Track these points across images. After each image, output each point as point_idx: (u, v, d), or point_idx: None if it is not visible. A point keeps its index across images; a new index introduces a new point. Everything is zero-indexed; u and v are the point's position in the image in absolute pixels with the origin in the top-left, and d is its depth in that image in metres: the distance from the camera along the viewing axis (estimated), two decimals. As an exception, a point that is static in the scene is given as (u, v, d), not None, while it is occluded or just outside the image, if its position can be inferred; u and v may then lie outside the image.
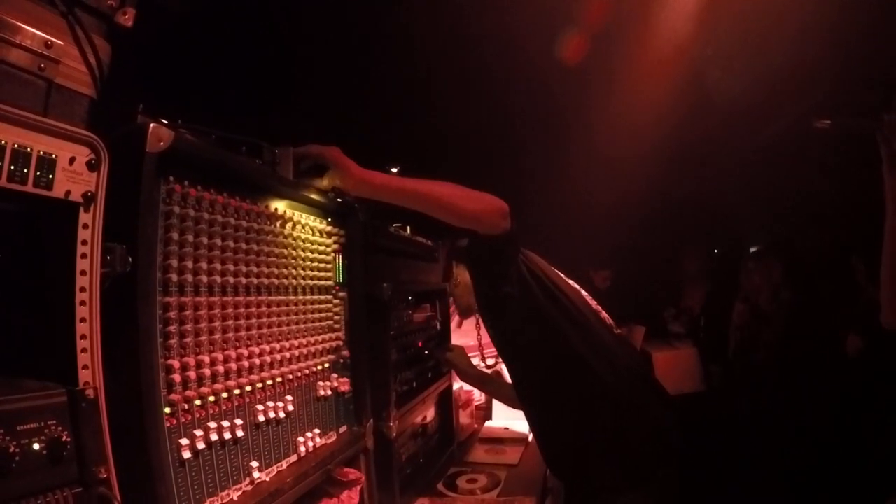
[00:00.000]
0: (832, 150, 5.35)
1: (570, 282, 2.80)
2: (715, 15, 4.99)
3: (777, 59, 5.11)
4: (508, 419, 4.10)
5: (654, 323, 6.35)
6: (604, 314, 2.78)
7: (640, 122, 5.98)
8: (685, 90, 5.76)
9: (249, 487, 1.70)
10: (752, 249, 7.33)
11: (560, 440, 2.65)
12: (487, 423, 4.24)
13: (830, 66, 5.03)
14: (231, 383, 1.66)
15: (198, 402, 1.53)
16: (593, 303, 2.79)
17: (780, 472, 4.83)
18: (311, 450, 2.03)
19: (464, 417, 3.93)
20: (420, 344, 3.23)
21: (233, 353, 1.68)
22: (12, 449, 1.03)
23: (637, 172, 6.21)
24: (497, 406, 4.31)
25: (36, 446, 1.08)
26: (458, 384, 3.98)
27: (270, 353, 1.86)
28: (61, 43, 1.37)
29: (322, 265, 2.24)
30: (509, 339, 2.72)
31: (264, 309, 1.86)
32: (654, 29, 5.29)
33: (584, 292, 2.79)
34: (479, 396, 4.45)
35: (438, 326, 3.62)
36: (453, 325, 4.00)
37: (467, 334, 4.38)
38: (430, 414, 3.41)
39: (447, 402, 3.65)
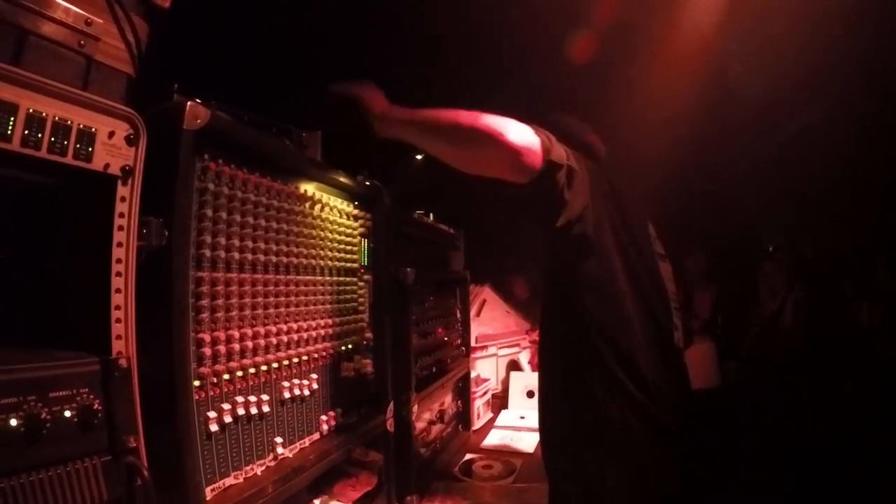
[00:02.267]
0: (853, 147, 5.32)
1: (663, 267, 2.43)
2: (737, 9, 4.96)
3: (797, 54, 5.08)
4: (524, 408, 4.11)
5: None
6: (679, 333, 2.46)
7: (659, 117, 5.96)
8: (705, 85, 5.74)
9: (273, 463, 1.73)
10: (770, 248, 7.31)
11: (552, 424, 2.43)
12: (503, 412, 4.24)
13: (846, 63, 5.00)
14: (259, 359, 1.69)
15: (226, 377, 1.56)
16: (675, 306, 2.38)
17: (794, 471, 4.82)
18: (333, 429, 2.06)
19: (480, 405, 3.94)
20: (440, 331, 3.24)
21: (261, 330, 1.71)
22: (44, 415, 1.05)
23: (654, 167, 6.19)
24: (513, 395, 4.31)
25: (67, 413, 1.10)
26: (475, 372, 4.00)
27: (298, 331, 1.89)
28: (101, 21, 1.38)
29: (348, 247, 2.27)
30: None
31: (292, 288, 1.89)
32: (675, 24, 5.27)
33: (671, 287, 2.42)
34: (495, 385, 4.47)
35: (458, 313, 3.63)
36: (473, 312, 4.02)
37: (486, 322, 4.40)
38: (448, 400, 3.42)
39: (465, 389, 3.66)
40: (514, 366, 4.60)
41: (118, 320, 1.22)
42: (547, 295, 2.21)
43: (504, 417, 4.14)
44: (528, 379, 4.21)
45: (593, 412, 2.00)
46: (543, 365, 2.19)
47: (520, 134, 1.80)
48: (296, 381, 1.87)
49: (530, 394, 4.10)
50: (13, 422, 1.01)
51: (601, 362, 1.98)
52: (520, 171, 1.81)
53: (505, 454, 3.37)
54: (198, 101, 1.45)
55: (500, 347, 4.59)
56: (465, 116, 1.84)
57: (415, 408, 2.60)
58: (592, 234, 1.93)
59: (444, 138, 1.90)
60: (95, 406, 1.14)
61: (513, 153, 1.78)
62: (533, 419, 3.59)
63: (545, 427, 2.20)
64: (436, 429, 3.20)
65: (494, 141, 1.78)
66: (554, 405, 2.15)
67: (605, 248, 1.99)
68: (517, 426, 3.91)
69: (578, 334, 1.99)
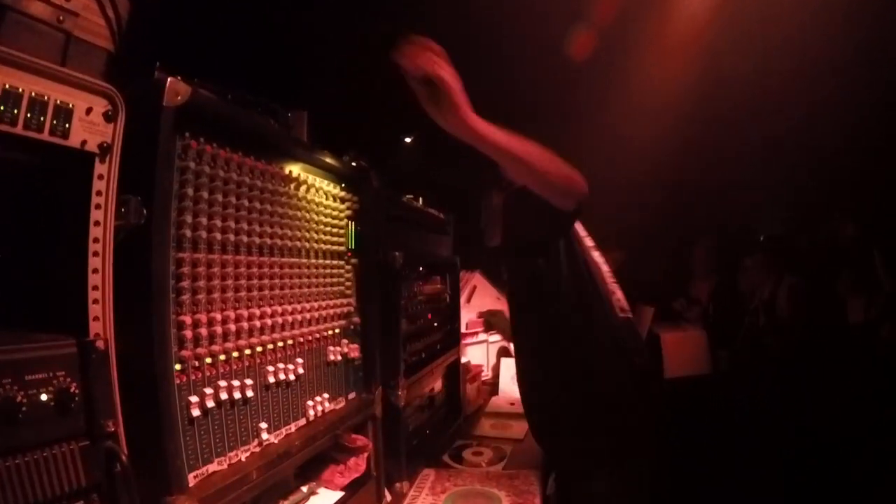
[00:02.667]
0: (849, 138, 5.33)
1: (597, 255, 2.76)
2: (731, 2, 4.97)
3: (793, 46, 5.09)
4: (515, 394, 4.11)
5: (664, 304, 6.33)
6: (618, 295, 2.74)
7: (656, 106, 5.97)
8: (703, 75, 5.75)
9: (258, 448, 1.70)
10: (761, 238, 7.32)
11: (552, 404, 2.69)
12: (494, 398, 4.24)
13: (844, 53, 5.01)
14: (242, 342, 1.66)
15: (208, 360, 1.53)
16: (611, 280, 2.74)
17: (784, 462, 4.83)
18: (319, 414, 2.03)
19: (471, 391, 3.93)
20: (430, 316, 3.22)
21: (244, 313, 1.68)
22: (19, 398, 1.03)
23: (652, 156, 6.21)
24: (503, 381, 4.31)
25: (44, 397, 1.07)
26: (465, 358, 3.99)
27: (282, 314, 1.86)
28: (81, -5, 1.36)
29: (335, 230, 2.23)
30: (523, 291, 2.78)
31: (276, 270, 1.85)
32: (672, 15, 5.28)
33: (605, 268, 2.74)
34: (486, 372, 4.46)
35: (448, 299, 3.61)
36: (463, 298, 4.00)
37: (477, 308, 4.39)
38: (438, 386, 3.41)
39: (455, 375, 3.65)
40: (504, 352, 4.60)
41: (95, 301, 1.19)
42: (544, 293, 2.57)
43: (495, 403, 4.14)
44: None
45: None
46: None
47: (582, 179, 2.28)
48: (281, 365, 1.83)
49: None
50: (-13, 405, 0.97)
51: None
52: (574, 202, 2.35)
53: (495, 440, 3.37)
54: (179, 77, 1.42)
55: (491, 334, 4.59)
56: (552, 161, 2.20)
57: (403, 393, 2.58)
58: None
59: (527, 168, 2.17)
60: (72, 389, 1.12)
61: (582, 193, 2.30)
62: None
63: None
64: (425, 415, 3.19)
65: (573, 184, 2.26)
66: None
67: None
68: (507, 412, 3.91)
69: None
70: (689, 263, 6.74)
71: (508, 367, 4.28)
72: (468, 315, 4.26)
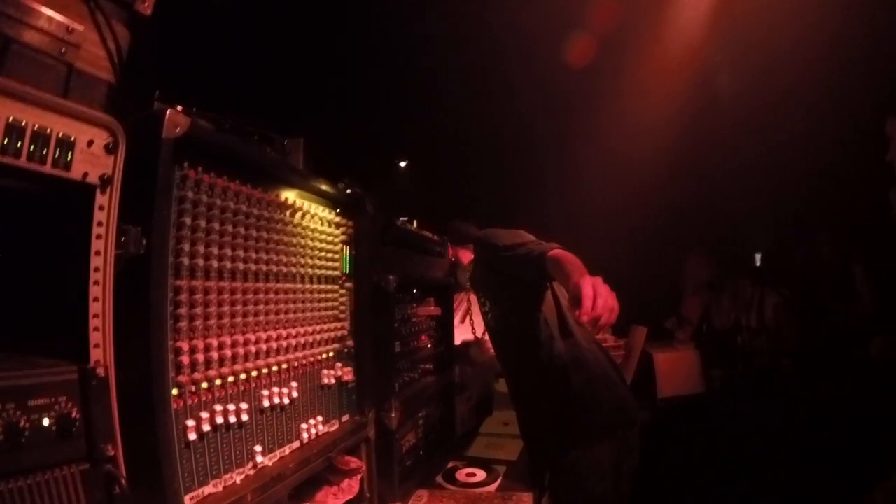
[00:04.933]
0: (837, 157, 5.37)
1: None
2: (724, 21, 5.01)
3: (784, 64, 5.14)
4: (508, 415, 4.12)
5: (656, 324, 6.35)
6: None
7: (647, 126, 6.01)
8: (693, 95, 5.79)
9: (252, 471, 1.72)
10: (758, 256, 7.35)
11: (537, 404, 3.05)
12: (487, 419, 4.25)
13: (832, 72, 5.06)
14: (238, 367, 1.69)
15: (205, 385, 1.56)
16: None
17: (777, 476, 4.84)
18: (313, 437, 2.06)
19: (464, 411, 3.94)
20: (423, 338, 3.25)
21: (240, 338, 1.71)
22: (22, 423, 1.06)
23: (643, 176, 6.24)
24: (497, 402, 4.32)
25: (46, 422, 1.10)
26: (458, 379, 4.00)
27: (277, 339, 1.88)
28: (82, 28, 1.39)
29: (330, 255, 2.27)
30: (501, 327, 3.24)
31: (272, 296, 1.88)
32: (664, 34, 5.32)
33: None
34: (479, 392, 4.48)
35: (442, 320, 3.63)
36: (456, 319, 4.02)
37: (468, 329, 4.40)
38: (431, 407, 3.43)
39: (448, 396, 3.67)
40: (500, 373, 4.60)
41: (96, 329, 1.22)
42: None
43: (488, 424, 4.15)
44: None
45: None
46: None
47: None
48: (275, 389, 1.86)
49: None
50: (-8, 429, 1.00)
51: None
52: None
53: (488, 461, 3.38)
54: (178, 107, 1.46)
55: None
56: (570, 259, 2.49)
57: (396, 415, 2.61)
58: None
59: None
60: (73, 414, 1.14)
61: None
62: (516, 425, 3.60)
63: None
64: (419, 435, 3.20)
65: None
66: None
67: None
68: (500, 432, 3.92)
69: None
70: (678, 280, 6.75)
71: (502, 387, 4.29)
72: (462, 336, 4.27)
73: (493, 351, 3.64)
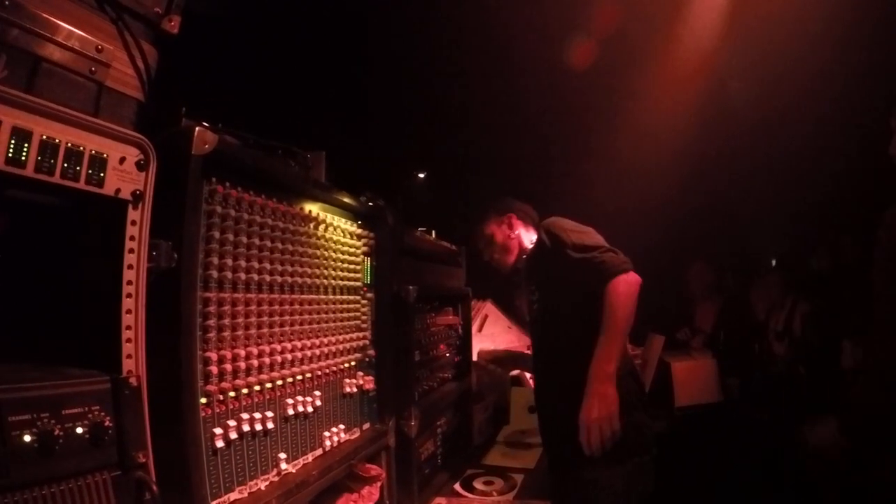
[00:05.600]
0: (850, 161, 5.35)
1: None
2: (736, 28, 5.02)
3: (794, 70, 5.13)
4: (526, 424, 4.13)
5: (669, 335, 6.32)
6: None
7: (660, 132, 6.01)
8: (705, 101, 5.79)
9: (276, 478, 1.76)
10: (773, 262, 7.31)
11: (560, 415, 2.87)
12: (505, 427, 4.25)
13: (839, 78, 5.05)
14: (264, 377, 1.73)
15: (232, 394, 1.60)
16: None
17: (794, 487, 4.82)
18: (335, 444, 2.10)
19: (482, 420, 3.95)
20: (442, 346, 3.28)
21: (266, 348, 1.75)
22: (57, 431, 1.09)
23: (655, 182, 6.24)
24: (514, 411, 4.33)
25: (79, 430, 1.13)
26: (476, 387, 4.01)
27: (301, 349, 1.93)
28: (111, 47, 1.42)
29: (351, 266, 2.31)
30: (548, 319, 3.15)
31: (297, 307, 1.93)
32: (676, 41, 5.33)
33: None
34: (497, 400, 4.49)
35: (460, 329, 3.66)
36: (475, 328, 4.04)
37: (488, 337, 4.42)
38: (449, 415, 3.45)
39: (466, 404, 3.69)
40: (515, 381, 4.61)
41: (129, 340, 1.26)
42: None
43: (506, 432, 4.16)
44: (529, 394, 4.22)
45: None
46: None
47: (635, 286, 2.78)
48: (300, 397, 1.90)
49: (531, 409, 4.12)
50: (27, 437, 1.04)
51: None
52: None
53: (506, 469, 3.39)
54: (205, 124, 1.50)
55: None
56: (625, 309, 2.71)
57: (416, 423, 2.63)
58: None
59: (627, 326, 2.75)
60: (106, 423, 1.18)
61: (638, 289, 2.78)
62: (535, 433, 3.61)
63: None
64: (437, 443, 3.22)
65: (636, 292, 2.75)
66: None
67: None
68: (518, 441, 3.93)
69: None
70: (688, 285, 6.72)
71: (519, 395, 4.31)
72: (480, 344, 4.28)
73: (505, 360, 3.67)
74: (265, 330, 1.76)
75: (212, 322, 1.53)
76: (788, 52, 5.00)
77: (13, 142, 1.06)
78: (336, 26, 4.20)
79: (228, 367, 1.58)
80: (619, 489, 2.71)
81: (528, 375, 4.49)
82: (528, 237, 3.30)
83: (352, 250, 2.31)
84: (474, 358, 3.98)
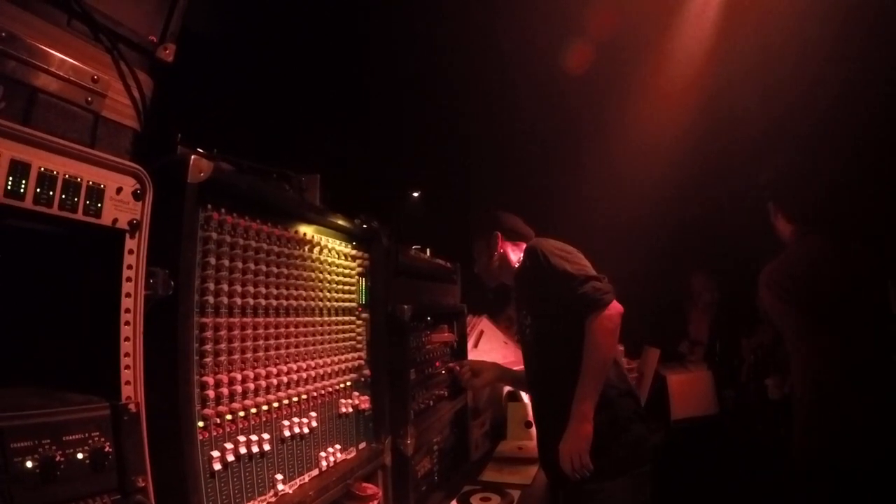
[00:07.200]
0: (851, 171, 5.36)
1: None
2: (730, 39, 5.05)
3: (792, 81, 5.15)
4: (522, 439, 4.14)
5: (668, 347, 6.31)
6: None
7: (656, 144, 6.03)
8: (702, 111, 5.81)
9: (273, 499, 1.78)
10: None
11: (559, 433, 2.84)
12: (501, 443, 4.25)
13: (832, 87, 5.08)
14: (260, 399, 1.75)
15: (229, 417, 1.62)
16: None
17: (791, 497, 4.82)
18: (332, 464, 2.12)
19: (479, 436, 3.96)
20: (437, 364, 3.29)
21: (262, 371, 1.77)
22: (58, 457, 1.11)
23: (650, 194, 6.25)
24: (511, 426, 4.34)
25: (80, 455, 1.15)
26: (472, 403, 4.02)
27: (297, 371, 1.95)
28: (107, 77, 1.45)
29: (346, 287, 2.34)
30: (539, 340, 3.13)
31: (292, 329, 1.95)
32: (671, 52, 5.36)
33: None
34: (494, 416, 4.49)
35: (456, 345, 3.67)
36: (470, 343, 4.05)
37: (484, 353, 4.42)
38: (446, 432, 3.45)
39: (463, 421, 3.70)
40: (511, 396, 4.62)
41: (127, 367, 1.28)
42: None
43: (502, 448, 4.16)
44: (525, 409, 4.23)
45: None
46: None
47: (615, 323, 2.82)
48: (296, 419, 1.92)
49: (528, 424, 4.14)
50: (29, 464, 1.06)
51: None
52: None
53: (503, 486, 3.40)
54: (200, 151, 1.52)
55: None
56: (602, 350, 2.78)
57: (412, 441, 2.65)
58: None
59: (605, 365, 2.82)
60: (106, 448, 1.20)
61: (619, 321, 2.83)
62: (531, 449, 3.62)
63: None
64: (434, 461, 3.23)
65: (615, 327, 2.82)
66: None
67: None
68: (515, 457, 3.94)
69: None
70: (686, 298, 6.71)
71: (515, 411, 4.32)
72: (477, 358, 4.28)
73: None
74: (261, 353, 1.78)
75: (208, 347, 1.56)
76: (783, 61, 5.02)
77: (12, 175, 1.08)
78: (330, 46, 4.23)
79: (225, 391, 1.60)
80: (622, 499, 2.73)
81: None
82: (515, 255, 3.29)
83: (347, 271, 2.34)
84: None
